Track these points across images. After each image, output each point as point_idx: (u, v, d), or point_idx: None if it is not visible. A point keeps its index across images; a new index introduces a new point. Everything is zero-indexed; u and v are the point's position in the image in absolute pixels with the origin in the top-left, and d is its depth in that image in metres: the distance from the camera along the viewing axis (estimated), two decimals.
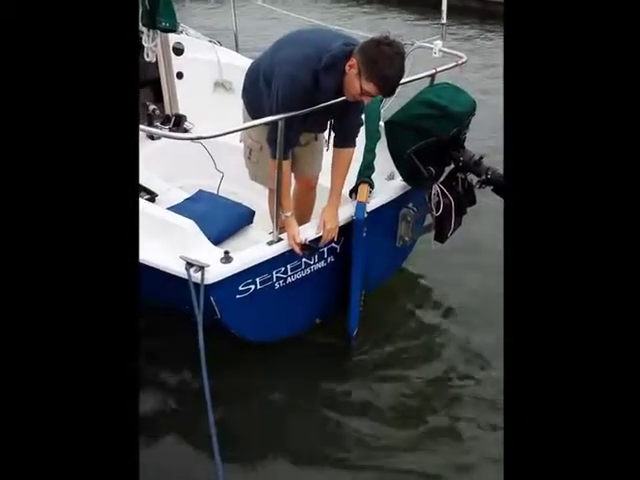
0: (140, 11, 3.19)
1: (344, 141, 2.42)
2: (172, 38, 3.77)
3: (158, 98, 3.72)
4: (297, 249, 2.33)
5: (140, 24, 3.26)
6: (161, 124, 3.59)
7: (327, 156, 2.61)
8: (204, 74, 3.89)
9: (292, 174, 2.58)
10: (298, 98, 2.12)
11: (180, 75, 3.80)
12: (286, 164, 2.26)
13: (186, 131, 3.57)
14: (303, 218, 2.69)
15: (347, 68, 2.07)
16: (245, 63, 3.57)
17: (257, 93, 2.33)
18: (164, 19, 3.22)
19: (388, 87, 2.05)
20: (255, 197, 2.99)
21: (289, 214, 2.34)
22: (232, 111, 2.71)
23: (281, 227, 2.37)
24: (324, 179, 2.80)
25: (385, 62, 1.98)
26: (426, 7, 9.06)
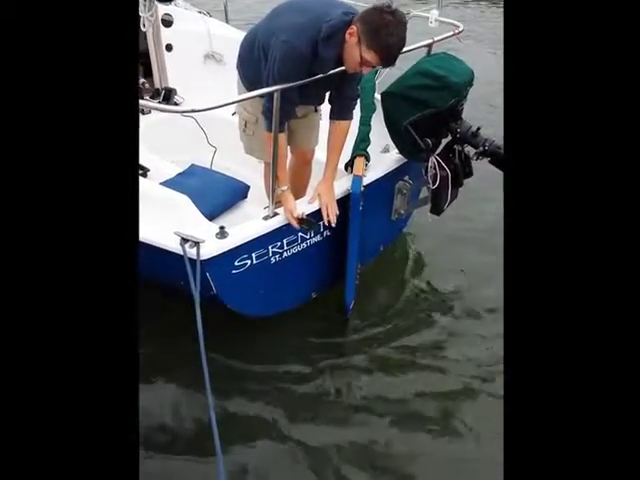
0: None
1: (341, 113, 2.37)
2: (160, 9, 3.67)
3: (147, 71, 3.63)
4: (295, 223, 2.30)
5: None
6: (150, 98, 3.52)
7: (324, 129, 2.57)
8: (194, 46, 3.79)
9: (288, 147, 2.55)
10: (296, 68, 2.07)
11: (169, 47, 3.70)
12: (282, 137, 2.22)
13: (177, 105, 3.50)
14: (299, 192, 2.65)
15: (347, 36, 2.02)
16: (236, 34, 3.50)
17: (253, 63, 2.27)
18: None
19: (390, 56, 1.99)
20: (249, 172, 2.95)
21: (285, 188, 2.31)
22: (223, 83, 2.66)
23: (277, 201, 2.34)
24: (321, 153, 2.77)
25: (387, 30, 1.93)
26: None
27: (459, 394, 2.51)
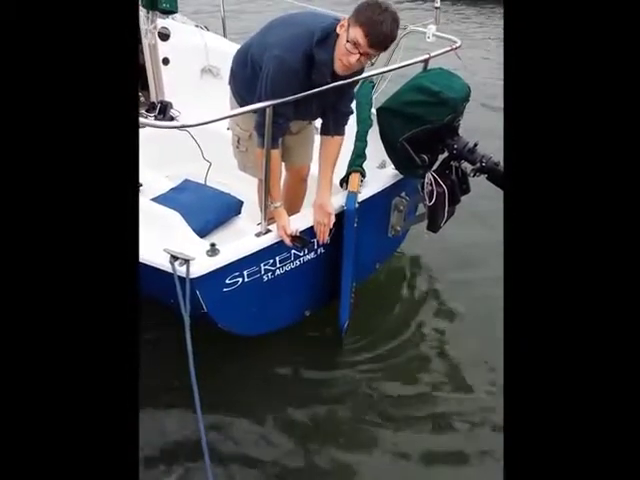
0: None
1: (335, 128, 2.34)
2: (158, 23, 3.66)
3: (143, 85, 3.61)
4: (287, 241, 2.25)
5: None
6: (146, 112, 3.49)
7: (317, 144, 2.54)
8: (191, 60, 3.78)
9: (282, 164, 2.50)
10: (288, 83, 2.03)
11: (166, 61, 3.69)
12: (275, 153, 2.18)
13: (172, 118, 3.47)
14: (294, 209, 2.62)
15: (338, 28, 2.00)
16: (233, 48, 3.46)
17: (246, 80, 2.24)
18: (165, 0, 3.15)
19: (375, 31, 1.89)
20: (244, 186, 2.91)
21: (278, 205, 2.26)
22: (220, 98, 2.62)
23: (270, 218, 2.29)
24: (317, 168, 2.73)
25: (374, 9, 1.89)
26: None
27: (456, 415, 2.45)
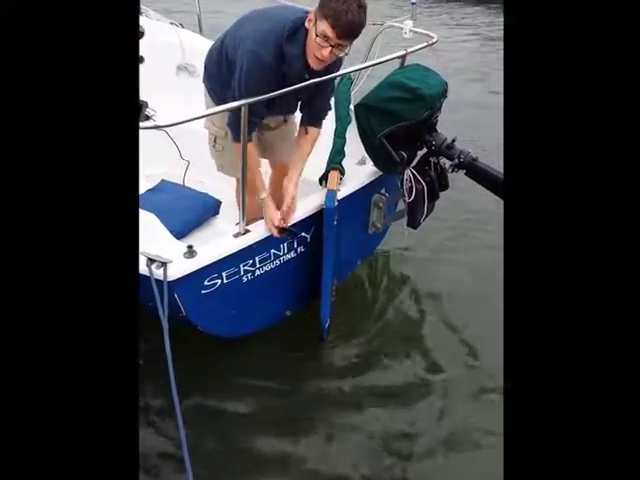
0: None
1: (310, 120, 2.33)
2: None
3: None
4: (275, 232, 2.23)
5: None
6: None
7: None
8: (166, 58, 3.73)
9: (268, 161, 2.45)
10: (263, 78, 2.02)
11: (141, 59, 3.63)
12: (250, 145, 2.14)
13: (148, 118, 3.40)
14: (281, 206, 2.59)
15: (307, 23, 1.97)
16: (209, 46, 3.43)
17: (221, 77, 2.22)
18: None
19: (341, 21, 1.86)
20: (223, 186, 2.87)
21: (264, 196, 2.23)
22: (196, 96, 2.59)
23: (250, 219, 2.27)
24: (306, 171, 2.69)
25: (338, 0, 1.86)
26: None
27: (445, 414, 2.44)
